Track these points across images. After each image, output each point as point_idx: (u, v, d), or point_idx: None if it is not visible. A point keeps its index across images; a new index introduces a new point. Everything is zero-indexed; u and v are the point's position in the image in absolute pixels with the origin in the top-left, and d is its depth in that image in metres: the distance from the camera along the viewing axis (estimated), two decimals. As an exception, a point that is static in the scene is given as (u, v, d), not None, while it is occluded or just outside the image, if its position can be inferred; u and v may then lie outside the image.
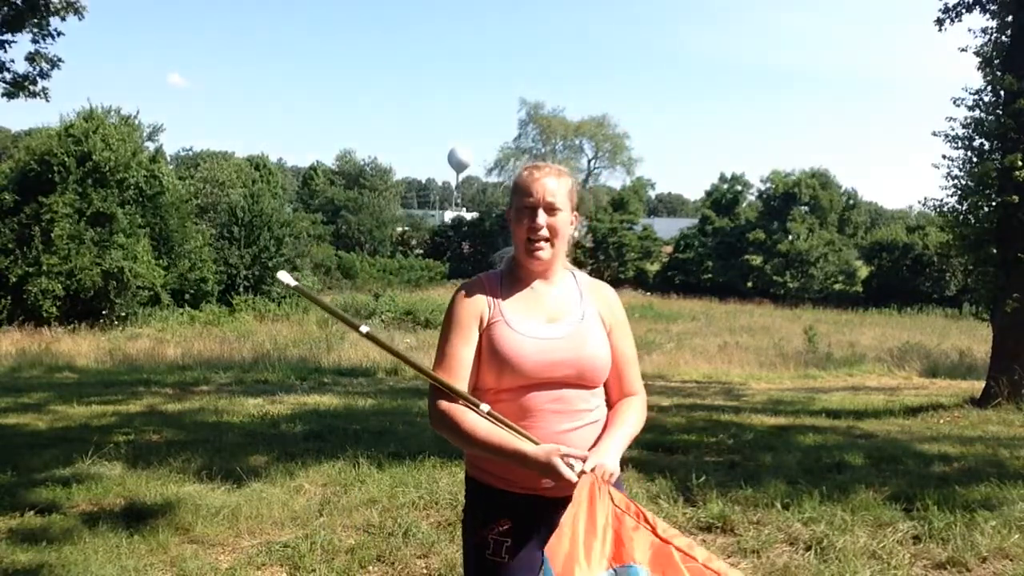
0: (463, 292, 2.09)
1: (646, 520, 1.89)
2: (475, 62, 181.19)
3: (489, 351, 2.00)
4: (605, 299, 2.13)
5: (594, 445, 2.00)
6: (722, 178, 49.27)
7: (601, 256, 47.44)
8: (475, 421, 1.93)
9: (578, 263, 2.23)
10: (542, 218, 2.01)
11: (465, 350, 2.01)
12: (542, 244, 2.02)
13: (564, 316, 2.04)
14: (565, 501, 1.96)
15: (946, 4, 10.35)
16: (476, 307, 2.05)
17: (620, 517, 1.87)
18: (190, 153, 43.93)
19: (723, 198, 48.30)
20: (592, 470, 1.88)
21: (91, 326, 23.52)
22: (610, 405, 2.11)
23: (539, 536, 1.99)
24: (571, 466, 1.88)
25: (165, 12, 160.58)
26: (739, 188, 48.67)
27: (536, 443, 1.91)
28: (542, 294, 2.06)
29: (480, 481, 2.05)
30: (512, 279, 2.09)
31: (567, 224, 2.06)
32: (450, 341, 2.03)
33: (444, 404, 1.97)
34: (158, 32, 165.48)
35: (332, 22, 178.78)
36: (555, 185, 2.03)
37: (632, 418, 2.09)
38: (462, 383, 1.99)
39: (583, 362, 1.99)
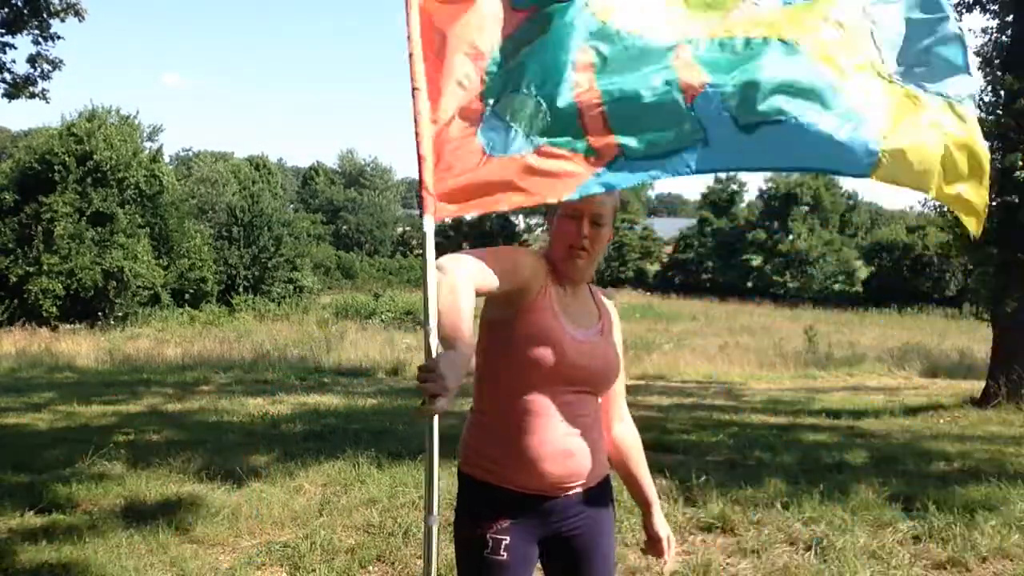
0: (534, 252, 2.02)
1: None
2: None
3: (528, 338, 1.91)
4: (614, 312, 2.17)
5: (647, 513, 2.21)
6: (717, 179, 49.30)
7: (601, 256, 47.51)
8: (458, 289, 1.69)
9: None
10: (587, 228, 1.98)
11: (517, 257, 1.91)
12: (581, 253, 2.00)
13: (590, 324, 2.05)
14: (561, 500, 1.97)
15: (946, 4, 10.35)
16: (539, 269, 1.97)
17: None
18: (190, 153, 43.93)
19: (719, 199, 48.32)
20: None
21: (91, 326, 23.51)
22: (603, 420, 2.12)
23: (538, 532, 1.99)
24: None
25: (159, 12, 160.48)
26: (735, 188, 48.69)
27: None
28: (573, 297, 2.05)
29: (476, 478, 2.01)
30: (554, 272, 2.05)
31: (607, 239, 2.06)
32: (511, 249, 1.97)
33: (453, 263, 1.79)
34: (153, 32, 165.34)
35: (332, 22, 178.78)
36: (604, 199, 1.98)
37: (645, 467, 2.23)
38: (486, 273, 1.78)
39: (605, 371, 2.02)
